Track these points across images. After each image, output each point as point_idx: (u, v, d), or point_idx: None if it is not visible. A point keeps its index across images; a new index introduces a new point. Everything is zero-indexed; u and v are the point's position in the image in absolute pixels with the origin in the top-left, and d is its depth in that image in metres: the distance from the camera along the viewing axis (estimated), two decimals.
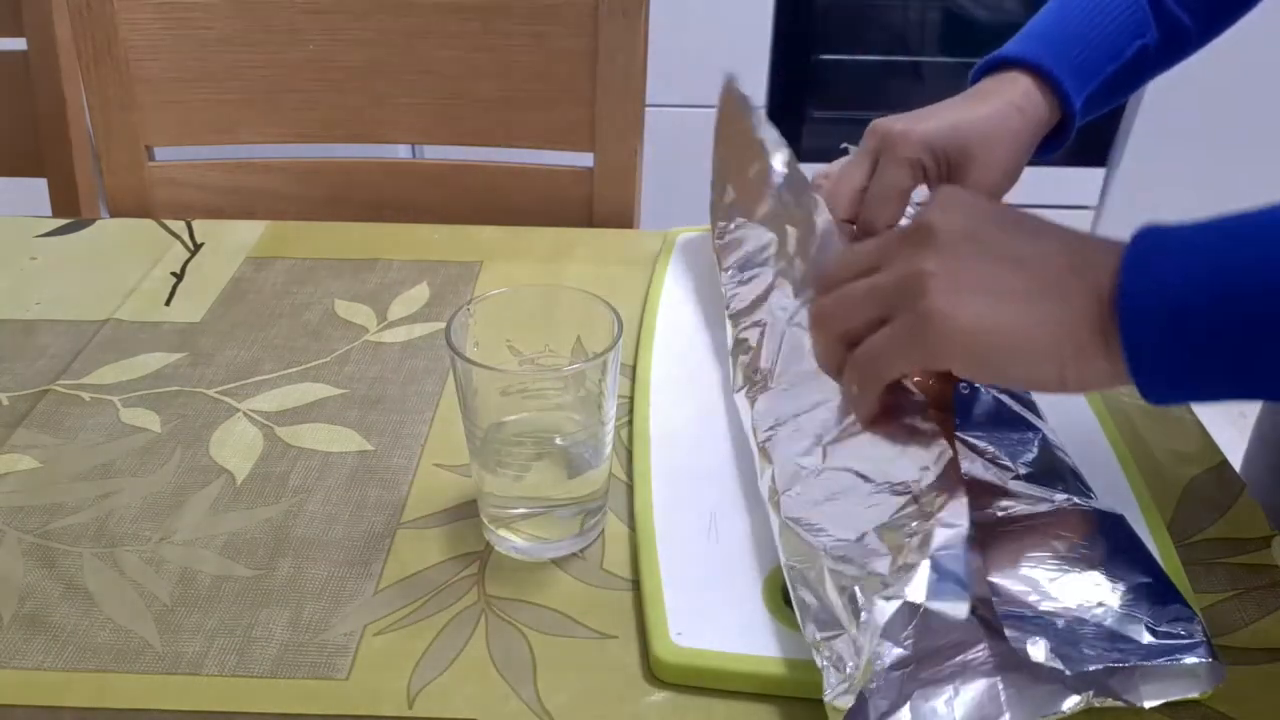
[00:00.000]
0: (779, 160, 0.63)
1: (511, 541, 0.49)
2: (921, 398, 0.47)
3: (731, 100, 0.69)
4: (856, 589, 0.39)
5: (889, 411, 0.46)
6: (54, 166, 0.94)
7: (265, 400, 0.60)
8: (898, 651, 0.37)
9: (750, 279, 0.60)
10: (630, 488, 0.53)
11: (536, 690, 0.43)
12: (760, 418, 0.51)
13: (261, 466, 0.55)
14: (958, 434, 0.48)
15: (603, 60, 0.86)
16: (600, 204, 0.90)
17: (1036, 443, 0.48)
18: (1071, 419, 0.52)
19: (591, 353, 0.48)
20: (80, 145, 0.94)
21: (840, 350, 0.45)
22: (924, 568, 0.38)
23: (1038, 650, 0.38)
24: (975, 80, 0.61)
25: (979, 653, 0.39)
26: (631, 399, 0.58)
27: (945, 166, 0.57)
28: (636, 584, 0.48)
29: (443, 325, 0.65)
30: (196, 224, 0.78)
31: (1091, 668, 0.38)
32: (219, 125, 0.90)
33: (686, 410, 0.57)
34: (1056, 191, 1.84)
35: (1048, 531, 0.43)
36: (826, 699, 0.38)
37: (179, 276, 0.71)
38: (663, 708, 0.43)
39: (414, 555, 0.50)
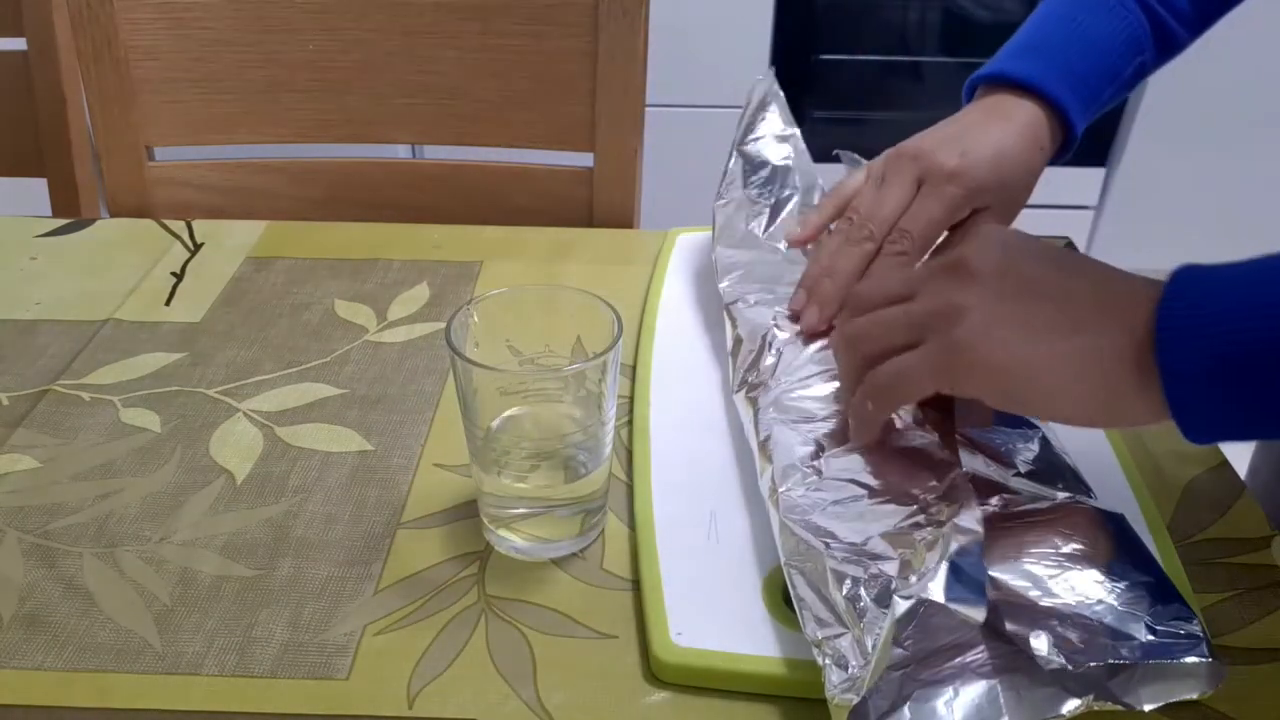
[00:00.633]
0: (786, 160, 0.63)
1: (511, 541, 0.49)
2: (920, 415, 0.48)
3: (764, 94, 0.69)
4: (862, 590, 0.39)
5: (890, 427, 0.47)
6: (54, 166, 0.94)
7: (265, 400, 0.60)
8: (897, 651, 0.38)
9: (752, 293, 0.60)
10: (630, 488, 0.53)
11: (536, 690, 0.43)
12: (760, 417, 0.51)
13: (261, 466, 0.55)
14: (958, 433, 0.49)
15: (603, 60, 0.86)
16: (600, 204, 0.90)
17: (1036, 441, 0.48)
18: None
19: (591, 353, 0.48)
20: (80, 145, 0.94)
21: (863, 370, 0.46)
22: (943, 570, 0.38)
23: (1040, 644, 0.38)
24: (972, 90, 0.61)
25: (978, 654, 0.39)
26: (631, 399, 0.58)
27: (977, 209, 0.57)
28: (636, 584, 0.48)
29: (443, 325, 0.65)
30: (196, 224, 0.78)
31: (1093, 664, 0.38)
32: (219, 125, 0.90)
33: (686, 410, 0.57)
34: (1056, 191, 1.84)
35: (1048, 528, 0.43)
36: (829, 697, 0.38)
37: (179, 276, 0.71)
38: (663, 708, 0.43)
39: (414, 555, 0.50)
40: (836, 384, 0.52)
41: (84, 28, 0.84)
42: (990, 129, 0.57)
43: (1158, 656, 0.38)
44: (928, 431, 0.47)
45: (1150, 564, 0.42)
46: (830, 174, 0.64)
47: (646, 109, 0.88)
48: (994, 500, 0.44)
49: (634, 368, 0.61)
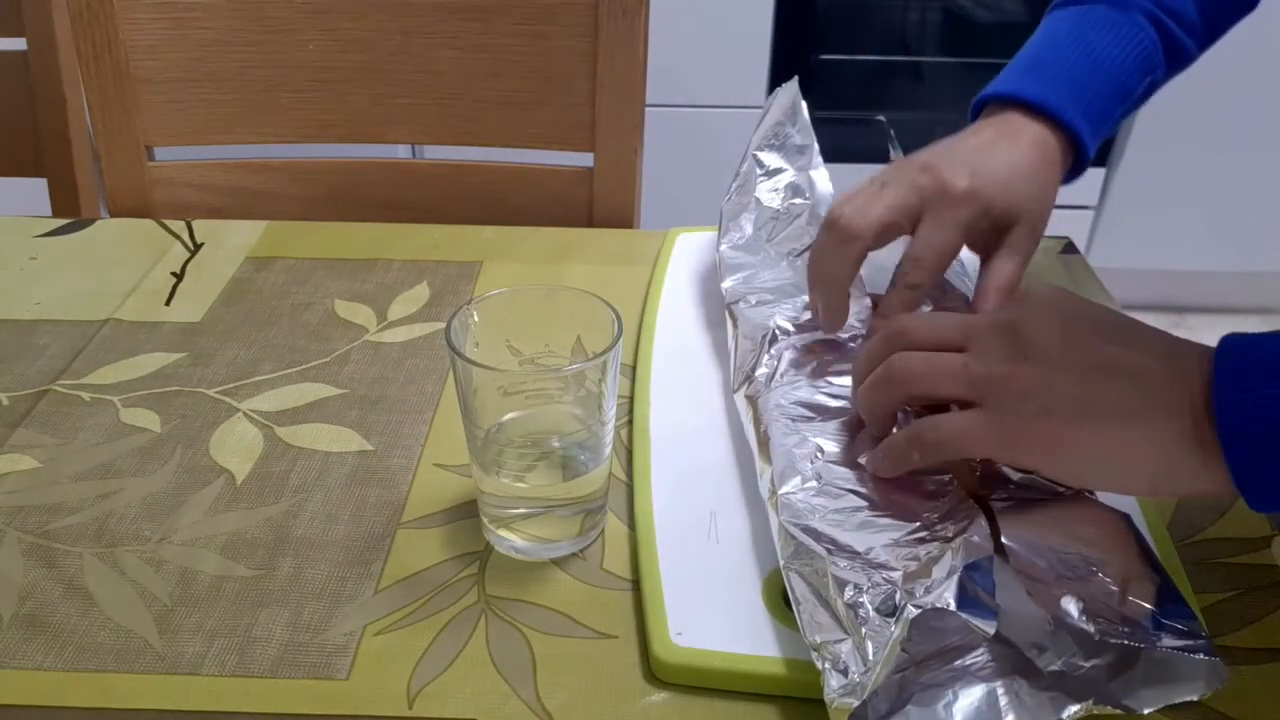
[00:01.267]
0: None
1: (511, 541, 0.49)
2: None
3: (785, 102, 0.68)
4: (865, 598, 0.39)
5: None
6: (54, 166, 0.94)
7: (265, 400, 0.60)
8: (898, 654, 0.37)
9: (755, 296, 0.60)
10: (630, 488, 0.53)
11: (536, 690, 0.43)
12: (760, 418, 0.51)
13: (261, 466, 0.55)
14: None
15: (603, 60, 0.86)
16: (600, 204, 0.90)
17: None
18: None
19: (591, 353, 0.48)
20: (80, 145, 0.94)
21: (899, 405, 0.47)
22: (954, 581, 0.38)
23: (1070, 605, 0.38)
24: (979, 107, 0.60)
25: (978, 658, 0.39)
26: (631, 399, 0.58)
27: (993, 231, 0.56)
28: (636, 584, 0.48)
29: (443, 325, 0.65)
30: (196, 224, 0.78)
31: (1113, 641, 0.38)
32: (219, 125, 0.90)
33: (686, 410, 0.57)
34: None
35: (1059, 518, 0.43)
36: (829, 700, 0.38)
37: (179, 276, 0.71)
38: (663, 708, 0.43)
39: (414, 555, 0.50)
40: (836, 384, 0.52)
41: (84, 28, 0.84)
42: (1000, 149, 0.56)
43: (1169, 648, 0.38)
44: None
45: (1155, 564, 0.42)
46: (837, 175, 0.63)
47: (646, 109, 0.88)
48: (1001, 495, 0.45)
49: (634, 368, 0.61)
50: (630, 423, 0.57)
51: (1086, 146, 0.58)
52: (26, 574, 0.48)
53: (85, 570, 0.49)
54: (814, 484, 0.46)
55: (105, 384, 0.61)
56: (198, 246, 0.75)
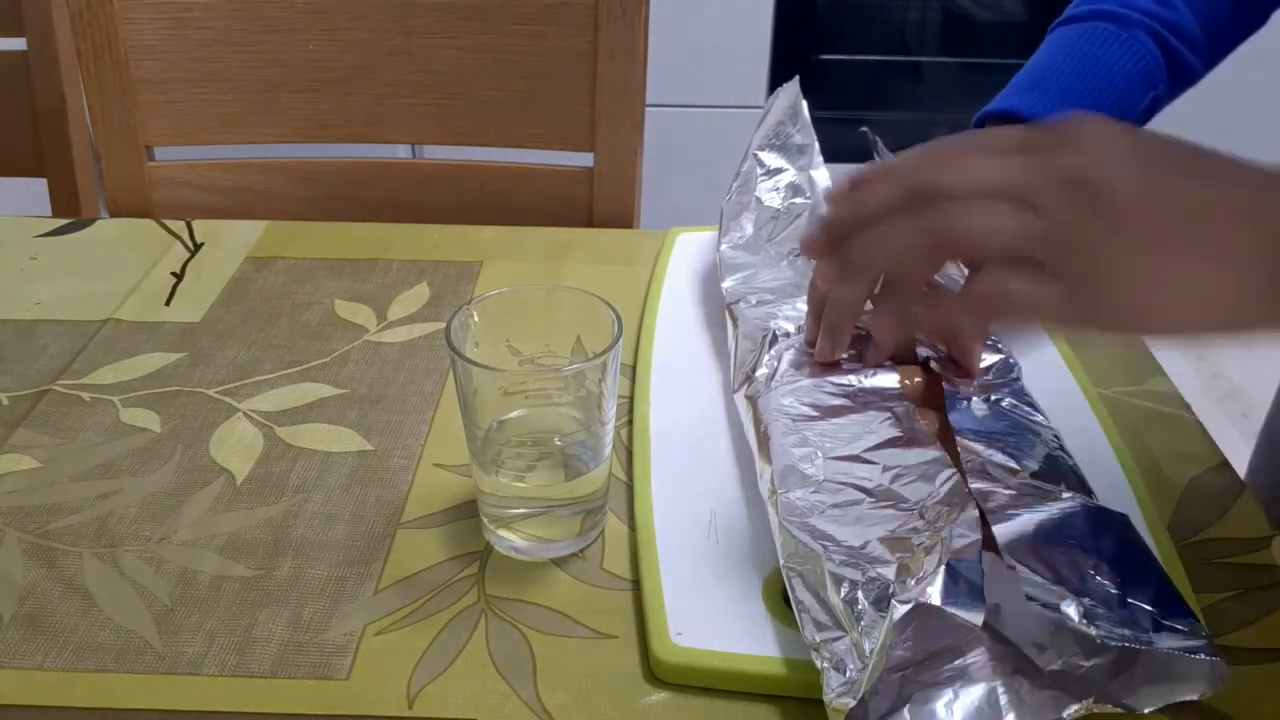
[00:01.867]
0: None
1: (511, 541, 0.49)
2: (925, 426, 0.48)
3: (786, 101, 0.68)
4: (859, 593, 0.39)
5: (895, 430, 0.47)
6: (54, 166, 0.94)
7: (265, 400, 0.60)
8: (897, 654, 0.37)
9: (755, 298, 0.60)
10: (630, 488, 0.53)
11: (536, 690, 0.43)
12: (760, 418, 0.51)
13: (261, 466, 0.55)
14: (957, 435, 0.49)
15: (603, 60, 0.86)
16: (600, 204, 0.90)
17: (1037, 442, 0.48)
18: (1072, 419, 0.52)
19: (591, 353, 0.48)
20: (80, 145, 0.94)
21: (930, 271, 0.41)
22: (941, 574, 0.38)
23: (1071, 609, 0.38)
24: (980, 124, 0.60)
25: (978, 657, 0.39)
26: (631, 399, 0.58)
27: None
28: (636, 584, 0.48)
29: (443, 325, 0.65)
30: (196, 224, 0.78)
31: (1113, 641, 0.38)
32: (219, 125, 0.90)
33: (686, 410, 0.57)
34: None
35: (1055, 521, 0.43)
36: (827, 700, 0.38)
37: (179, 276, 0.71)
38: (663, 708, 0.43)
39: (414, 555, 0.50)
40: (836, 384, 0.52)
41: (84, 28, 0.84)
42: None
43: (1170, 648, 0.38)
44: (929, 438, 0.47)
45: (1153, 564, 0.42)
46: (837, 175, 0.63)
47: (646, 109, 0.88)
48: (996, 499, 0.45)
49: (634, 368, 0.61)
50: (630, 423, 0.57)
51: None
52: (26, 574, 0.48)
53: (85, 570, 0.49)
54: (813, 482, 0.46)
55: (105, 384, 0.61)
56: (198, 246, 0.75)
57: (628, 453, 0.55)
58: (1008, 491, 0.45)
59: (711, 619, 0.45)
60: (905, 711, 0.37)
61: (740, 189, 0.66)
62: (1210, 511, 0.52)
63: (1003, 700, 0.38)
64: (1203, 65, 0.60)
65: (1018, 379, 0.52)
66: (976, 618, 0.38)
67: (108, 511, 0.52)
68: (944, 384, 0.50)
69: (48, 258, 0.74)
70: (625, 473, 0.54)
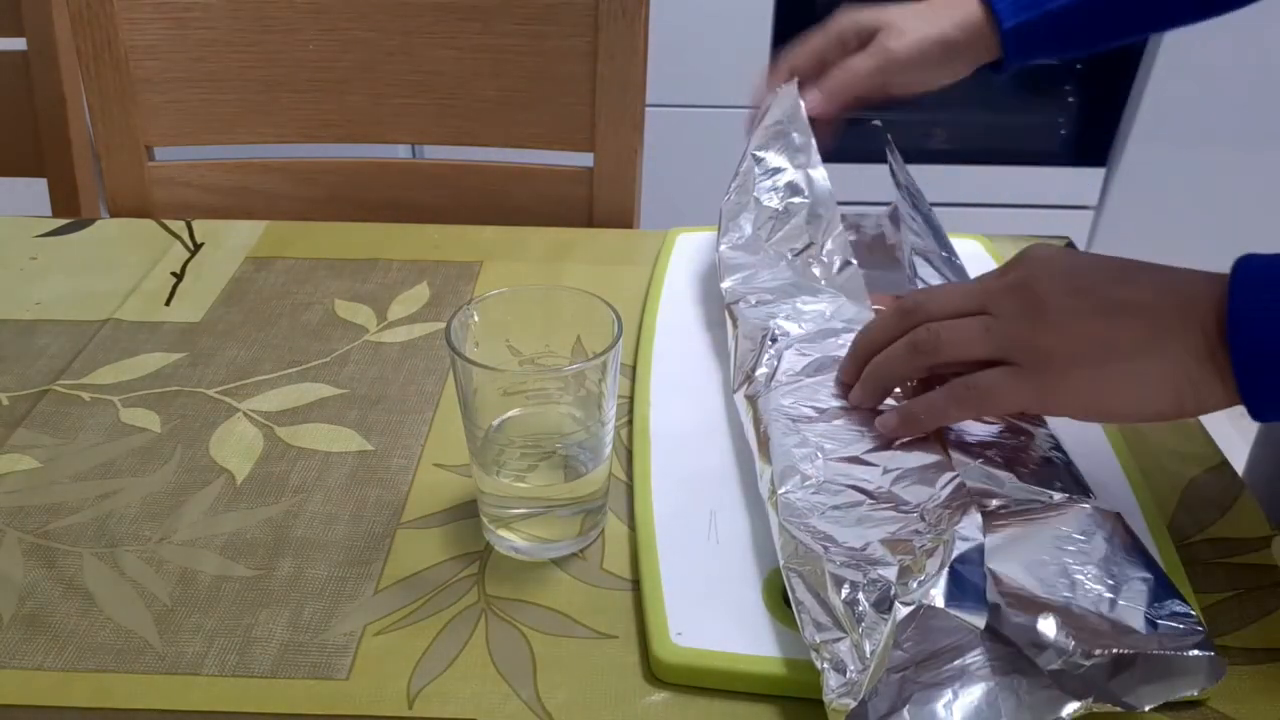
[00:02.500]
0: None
1: (511, 541, 0.49)
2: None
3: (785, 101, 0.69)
4: (860, 595, 0.39)
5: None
6: (54, 166, 0.94)
7: (265, 400, 0.60)
8: (896, 654, 0.38)
9: (754, 296, 0.60)
10: (630, 488, 0.53)
11: (536, 690, 0.43)
12: (760, 418, 0.51)
13: (261, 466, 0.55)
14: (953, 438, 0.49)
15: (603, 60, 0.86)
16: (600, 204, 0.90)
17: (1033, 444, 0.48)
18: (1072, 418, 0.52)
19: (591, 353, 0.48)
20: (80, 145, 0.94)
21: (924, 373, 0.48)
22: (944, 576, 0.38)
23: (1048, 625, 0.38)
24: None
25: (977, 657, 0.39)
26: (631, 399, 0.58)
27: (861, 37, 0.65)
28: (636, 584, 0.48)
29: (443, 325, 0.65)
30: (196, 224, 0.78)
31: (1098, 651, 0.38)
32: (219, 125, 0.90)
33: (686, 410, 0.57)
34: (1056, 191, 1.84)
35: (1046, 525, 0.43)
36: (827, 701, 0.38)
37: (179, 276, 0.71)
38: (663, 708, 0.43)
39: (414, 555, 0.50)
40: (836, 386, 0.52)
41: (84, 28, 0.84)
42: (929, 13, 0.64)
43: (1160, 649, 0.38)
44: (929, 441, 0.48)
45: (1148, 562, 0.42)
46: (836, 175, 0.63)
47: (646, 109, 0.88)
48: (992, 501, 0.45)
49: (634, 368, 0.61)
50: (630, 423, 0.57)
51: (1001, 16, 0.63)
52: (26, 574, 0.48)
53: (85, 570, 0.49)
54: (813, 482, 0.46)
55: (105, 384, 0.61)
56: (198, 246, 0.75)
57: (628, 453, 0.55)
58: (1000, 496, 0.45)
59: (711, 619, 0.45)
60: (905, 712, 0.37)
61: (739, 189, 0.66)
62: (1210, 511, 0.52)
63: (1002, 701, 0.38)
64: None
65: None
66: (979, 620, 0.38)
67: (108, 511, 0.52)
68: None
69: (48, 258, 0.74)
70: (625, 473, 0.54)
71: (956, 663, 0.38)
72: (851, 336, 0.54)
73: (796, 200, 0.63)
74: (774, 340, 0.55)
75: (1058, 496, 0.45)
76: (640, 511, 0.50)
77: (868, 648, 0.38)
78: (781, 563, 0.44)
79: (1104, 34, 0.65)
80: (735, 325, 0.58)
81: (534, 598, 0.47)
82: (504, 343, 0.49)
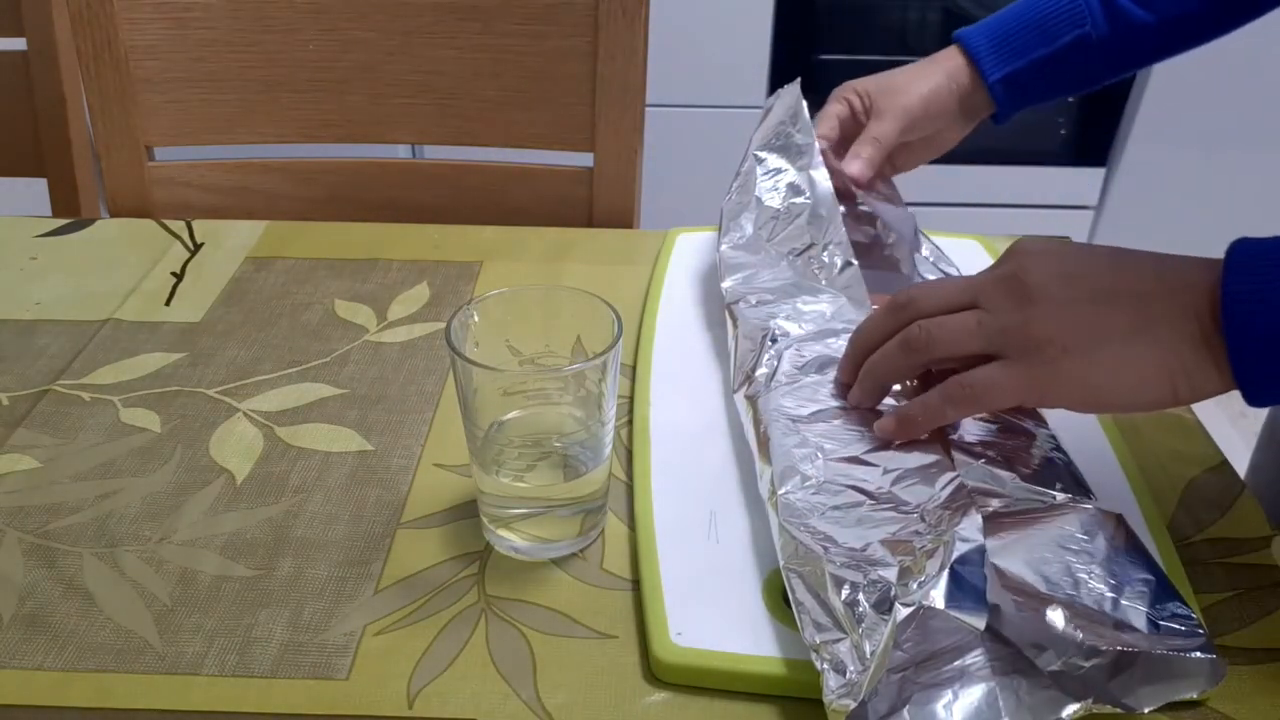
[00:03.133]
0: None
1: (511, 541, 0.49)
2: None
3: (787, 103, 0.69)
4: (860, 595, 0.39)
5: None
6: (54, 166, 0.94)
7: (265, 400, 0.60)
8: (896, 654, 0.37)
9: (754, 296, 0.60)
10: (630, 488, 0.53)
11: (536, 690, 0.43)
12: (760, 418, 0.51)
13: (261, 466, 0.55)
14: (953, 436, 0.49)
15: (603, 60, 0.86)
16: (600, 204, 0.90)
17: (1034, 444, 0.48)
18: (1072, 419, 0.52)
19: (591, 353, 0.48)
20: (80, 145, 0.94)
21: (919, 370, 0.49)
22: (945, 577, 0.38)
23: (1057, 616, 0.38)
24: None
25: (977, 657, 0.39)
26: (631, 399, 0.58)
27: (869, 101, 0.67)
28: (636, 584, 0.48)
29: (443, 325, 0.65)
30: (196, 224, 0.78)
31: (1104, 647, 0.38)
32: (219, 125, 0.90)
33: (686, 410, 0.57)
34: (1056, 191, 1.84)
35: (1049, 525, 0.43)
36: (827, 701, 0.38)
37: (179, 276, 0.71)
38: (663, 708, 0.43)
39: (414, 555, 0.50)
40: (835, 386, 0.52)
41: (84, 28, 0.84)
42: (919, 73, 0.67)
43: (1162, 649, 0.38)
44: (927, 439, 0.48)
45: (1149, 564, 0.42)
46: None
47: (646, 109, 0.88)
48: (993, 502, 0.45)
49: (634, 368, 0.61)
50: (630, 423, 0.57)
51: (985, 71, 0.65)
52: (26, 574, 0.48)
53: (85, 570, 0.49)
54: (813, 482, 0.46)
55: (105, 384, 0.61)
56: (198, 246, 0.75)
57: (628, 453, 0.55)
58: (1002, 496, 0.45)
59: (711, 619, 0.45)
60: (905, 712, 0.37)
61: (740, 189, 0.66)
62: (1210, 511, 0.52)
63: (1002, 701, 0.38)
64: (1156, 17, 0.63)
65: None
66: (979, 621, 0.38)
67: (108, 511, 0.52)
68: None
69: (48, 258, 0.74)
70: (625, 473, 0.54)
71: (956, 663, 0.38)
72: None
73: (798, 201, 0.63)
74: (774, 340, 0.55)
75: (1060, 497, 0.45)
76: (640, 511, 0.50)
77: (868, 648, 0.38)
78: (781, 563, 0.44)
79: (1096, 74, 0.66)
80: (735, 325, 0.58)
81: (534, 598, 0.47)
82: (504, 343, 0.49)
